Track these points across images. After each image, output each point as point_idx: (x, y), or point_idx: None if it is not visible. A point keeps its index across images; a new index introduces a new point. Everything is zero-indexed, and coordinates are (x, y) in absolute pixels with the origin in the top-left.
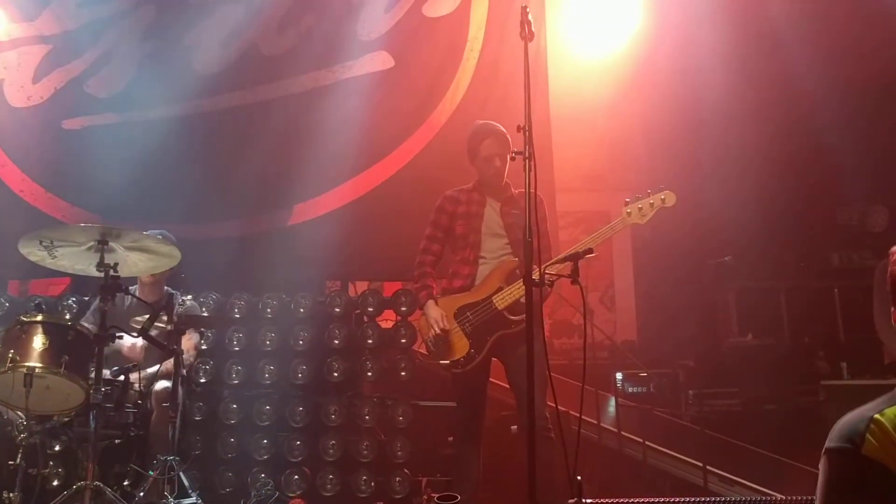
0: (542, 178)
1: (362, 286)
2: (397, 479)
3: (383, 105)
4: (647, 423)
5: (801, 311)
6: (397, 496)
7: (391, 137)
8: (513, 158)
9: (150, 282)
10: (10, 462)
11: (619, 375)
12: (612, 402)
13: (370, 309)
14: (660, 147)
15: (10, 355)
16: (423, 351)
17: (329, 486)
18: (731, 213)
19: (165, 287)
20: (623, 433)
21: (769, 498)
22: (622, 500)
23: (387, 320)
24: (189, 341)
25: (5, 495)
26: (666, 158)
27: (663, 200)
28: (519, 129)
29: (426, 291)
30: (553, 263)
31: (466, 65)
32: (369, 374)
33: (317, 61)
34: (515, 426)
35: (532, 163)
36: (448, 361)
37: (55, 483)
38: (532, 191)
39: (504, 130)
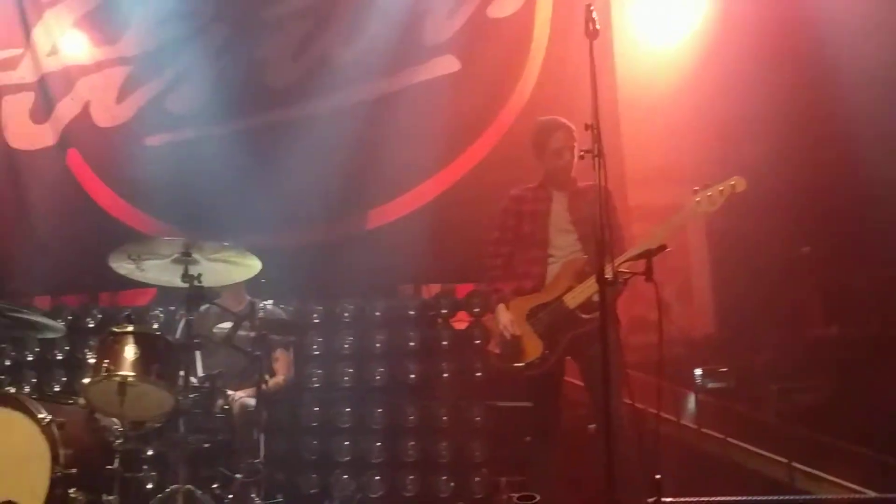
0: (612, 173)
1: (435, 288)
2: (476, 479)
3: (451, 108)
4: (727, 418)
5: (888, 300)
6: (477, 496)
7: (460, 140)
8: (581, 157)
9: (232, 291)
10: (108, 466)
11: (697, 371)
12: (692, 398)
13: (443, 311)
14: (732, 135)
15: (105, 365)
16: (497, 351)
17: (410, 486)
18: (810, 201)
19: (248, 297)
20: (703, 430)
21: (861, 496)
22: (703, 498)
23: (460, 321)
24: (285, 359)
25: (105, 498)
26: (738, 146)
27: (733, 187)
28: (587, 127)
29: (497, 295)
30: (625, 261)
31: (532, 64)
32: (445, 375)
33: (384, 68)
34: (593, 425)
35: (601, 161)
36: (522, 364)
37: (149, 486)
38: (602, 191)
39: (571, 125)
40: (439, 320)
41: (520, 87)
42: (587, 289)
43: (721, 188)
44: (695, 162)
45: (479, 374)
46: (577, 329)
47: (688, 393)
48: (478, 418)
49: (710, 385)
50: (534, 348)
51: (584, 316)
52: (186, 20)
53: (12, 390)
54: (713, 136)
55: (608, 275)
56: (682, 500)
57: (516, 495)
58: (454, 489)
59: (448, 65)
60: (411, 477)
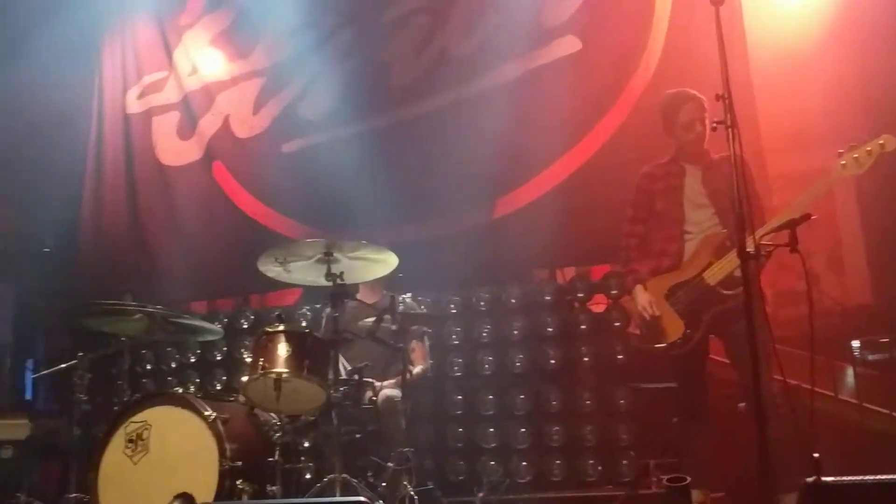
0: (748, 142)
1: (570, 272)
2: (624, 462)
3: (575, 88)
4: (891, 392)
5: None
6: (625, 479)
7: (585, 119)
8: (714, 129)
9: (368, 285)
10: (270, 458)
11: (855, 343)
12: (850, 371)
13: (580, 294)
14: (876, 94)
15: (260, 363)
16: (638, 333)
17: (556, 471)
18: None
19: (384, 290)
20: (864, 405)
21: None
22: (867, 477)
23: (598, 304)
24: (420, 350)
25: (269, 488)
26: (883, 104)
27: (882, 146)
28: (718, 97)
29: (633, 276)
30: (767, 233)
31: (656, 36)
32: (585, 359)
33: (504, 55)
34: (743, 403)
35: (735, 131)
36: (664, 344)
37: (308, 476)
38: (737, 161)
39: (701, 96)
40: (576, 304)
41: (644, 61)
42: (728, 264)
43: (868, 148)
44: (837, 125)
45: (620, 356)
46: (719, 306)
47: (845, 366)
48: (622, 401)
49: (871, 357)
50: (675, 328)
51: (725, 292)
52: (313, 29)
53: (179, 390)
54: (856, 97)
55: (749, 248)
56: (845, 479)
57: (666, 478)
58: (601, 473)
59: (569, 45)
60: (557, 461)
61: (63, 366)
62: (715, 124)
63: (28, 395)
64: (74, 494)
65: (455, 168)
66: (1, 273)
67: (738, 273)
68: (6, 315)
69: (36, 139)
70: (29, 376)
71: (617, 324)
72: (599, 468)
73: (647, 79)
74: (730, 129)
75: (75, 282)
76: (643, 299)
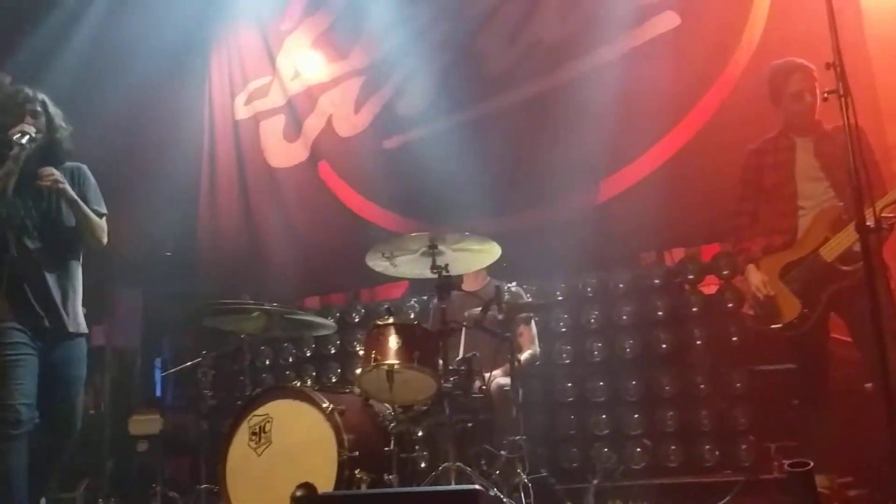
0: (865, 111)
1: (678, 253)
2: (743, 446)
3: (675, 65)
4: None
5: None
6: (745, 464)
7: (688, 96)
8: (825, 99)
9: (474, 275)
10: (385, 448)
11: None
12: None
13: (690, 276)
14: None
15: (372, 355)
16: (752, 314)
17: (672, 457)
18: None
19: (488, 277)
20: None
21: None
22: None
23: (709, 285)
24: (528, 334)
25: (386, 477)
26: None
27: None
28: (828, 66)
29: (745, 256)
30: (888, 204)
31: (759, 6)
32: (698, 342)
33: (600, 37)
34: (870, 384)
35: (848, 100)
36: (780, 325)
37: (422, 465)
38: (852, 131)
39: (810, 65)
40: (686, 286)
41: (747, 33)
42: (846, 238)
43: None
44: None
45: (734, 338)
46: (838, 283)
47: None
48: (738, 384)
49: None
50: (791, 308)
51: (844, 268)
52: (408, 25)
53: (297, 384)
54: None
55: (869, 221)
56: None
57: (788, 462)
58: (719, 458)
59: (668, 21)
60: (673, 447)
61: (189, 364)
62: (826, 94)
63: (157, 393)
64: (205, 485)
65: (556, 154)
66: (129, 279)
67: (857, 248)
68: (135, 318)
69: (152, 149)
70: (158, 374)
71: (730, 305)
72: (717, 453)
73: (750, 50)
74: (842, 98)
75: (195, 284)
76: (756, 279)
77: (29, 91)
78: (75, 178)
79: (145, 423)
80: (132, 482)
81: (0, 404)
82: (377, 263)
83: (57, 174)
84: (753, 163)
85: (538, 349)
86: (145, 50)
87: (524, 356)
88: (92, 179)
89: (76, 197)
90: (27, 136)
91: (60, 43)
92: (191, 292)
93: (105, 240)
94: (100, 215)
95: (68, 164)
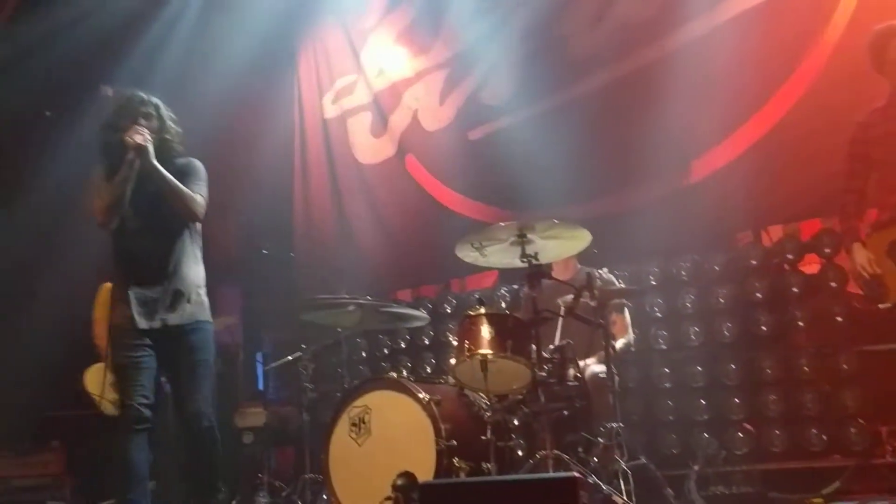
0: None
1: (776, 231)
2: (852, 430)
3: (767, 37)
4: None
5: None
6: (855, 449)
7: (781, 69)
8: None
9: (564, 262)
10: (482, 437)
11: None
12: None
13: (789, 256)
14: None
15: (466, 345)
16: (859, 292)
17: (777, 442)
18: None
19: (578, 265)
20: None
21: None
22: None
23: (810, 264)
24: (622, 322)
25: (484, 466)
26: None
27: None
28: None
29: (850, 234)
30: None
31: None
32: (800, 323)
33: (686, 14)
34: None
35: None
36: (889, 304)
37: (519, 453)
38: None
39: None
40: (786, 266)
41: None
42: None
43: None
44: None
45: (839, 318)
46: None
47: None
48: (845, 366)
49: None
50: None
51: None
52: (489, 14)
53: (394, 375)
54: None
55: None
56: None
57: None
58: (827, 442)
59: None
60: (777, 432)
61: (290, 357)
62: None
63: (259, 387)
64: (309, 475)
65: (645, 135)
66: (230, 277)
67: None
68: (237, 314)
69: (245, 150)
70: (259, 369)
71: (833, 284)
72: (824, 437)
73: (847, 16)
74: None
75: (292, 280)
76: (861, 257)
77: (143, 95)
78: (182, 169)
79: (250, 416)
80: (239, 473)
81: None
82: (467, 254)
83: (145, 133)
84: (860, 137)
85: (633, 336)
86: (235, 53)
87: (619, 344)
88: (197, 168)
89: (156, 164)
90: (141, 142)
91: (155, 50)
92: (287, 288)
93: (200, 213)
94: (196, 193)
95: (179, 160)
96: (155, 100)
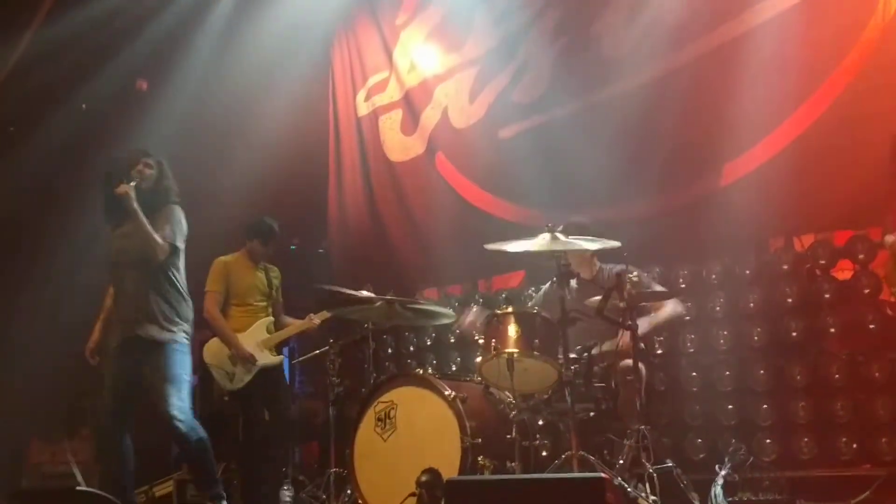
0: None
1: (808, 239)
2: (883, 439)
3: (803, 39)
4: None
5: None
6: (886, 458)
7: (817, 71)
8: None
9: (579, 259)
10: (507, 436)
11: None
12: None
13: (821, 262)
14: None
15: (493, 344)
16: (893, 299)
17: (805, 449)
18: None
19: (598, 263)
20: None
21: None
22: None
23: (842, 270)
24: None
25: (509, 465)
26: None
27: None
28: None
29: (887, 230)
30: None
31: None
32: (832, 330)
33: (722, 14)
34: None
35: None
36: None
37: (544, 453)
38: None
39: None
40: (818, 272)
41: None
42: None
43: None
44: None
45: (872, 325)
46: None
47: None
48: (877, 374)
49: None
50: None
51: None
52: (521, 11)
53: (420, 371)
54: None
55: None
56: None
57: None
58: (857, 451)
59: None
60: (805, 439)
61: (317, 352)
62: None
63: (286, 381)
64: (334, 469)
65: (678, 136)
66: None
67: None
68: None
69: (280, 146)
70: (286, 363)
71: (866, 291)
72: (854, 446)
73: (886, 19)
74: None
75: (320, 275)
76: (892, 238)
77: (146, 152)
78: (166, 215)
79: None
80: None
81: None
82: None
83: (128, 189)
84: None
85: (681, 308)
86: (269, 48)
87: (662, 313)
88: (177, 218)
89: (136, 208)
90: (122, 192)
91: (189, 44)
92: (315, 283)
93: (159, 257)
94: (164, 239)
95: (170, 206)
96: (157, 157)
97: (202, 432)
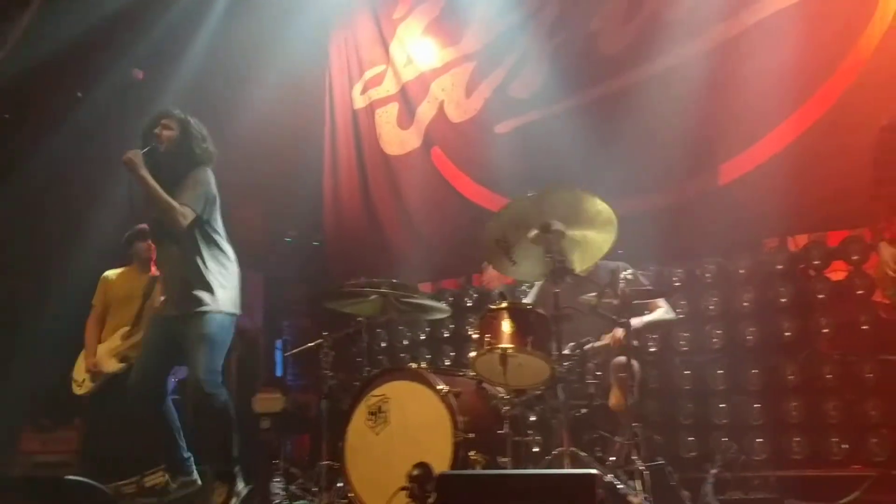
0: None
1: (802, 240)
2: (874, 440)
3: (802, 39)
4: None
5: None
6: (877, 459)
7: (815, 73)
8: None
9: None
10: (499, 431)
11: None
12: None
13: (816, 262)
14: None
15: (486, 339)
16: (886, 301)
17: (796, 448)
18: None
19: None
20: None
21: None
22: None
23: (836, 271)
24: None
25: (500, 460)
26: None
27: None
28: None
29: (878, 236)
30: None
31: None
32: (825, 330)
33: (720, 13)
34: None
35: None
36: None
37: (535, 449)
38: None
39: None
40: (812, 272)
41: (883, 3)
42: None
43: None
44: None
45: (864, 326)
46: None
47: None
48: (869, 374)
49: None
50: None
51: None
52: (519, 6)
53: (413, 365)
54: None
55: None
56: None
57: None
58: (848, 451)
59: None
60: (797, 439)
61: (311, 344)
62: None
63: (279, 373)
64: (326, 462)
65: (674, 135)
66: (252, 263)
67: None
68: (258, 301)
69: (276, 138)
70: (279, 355)
71: (860, 292)
72: (845, 446)
73: (887, 21)
74: None
75: (314, 268)
76: (887, 254)
77: (169, 110)
78: (193, 178)
79: (268, 402)
80: (256, 457)
81: None
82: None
83: (131, 156)
84: (888, 139)
85: (672, 314)
86: (267, 42)
87: (655, 314)
88: (202, 180)
89: (142, 174)
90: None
91: (188, 36)
92: (310, 276)
93: (180, 222)
94: (181, 203)
95: (196, 169)
96: (181, 115)
97: (229, 404)
